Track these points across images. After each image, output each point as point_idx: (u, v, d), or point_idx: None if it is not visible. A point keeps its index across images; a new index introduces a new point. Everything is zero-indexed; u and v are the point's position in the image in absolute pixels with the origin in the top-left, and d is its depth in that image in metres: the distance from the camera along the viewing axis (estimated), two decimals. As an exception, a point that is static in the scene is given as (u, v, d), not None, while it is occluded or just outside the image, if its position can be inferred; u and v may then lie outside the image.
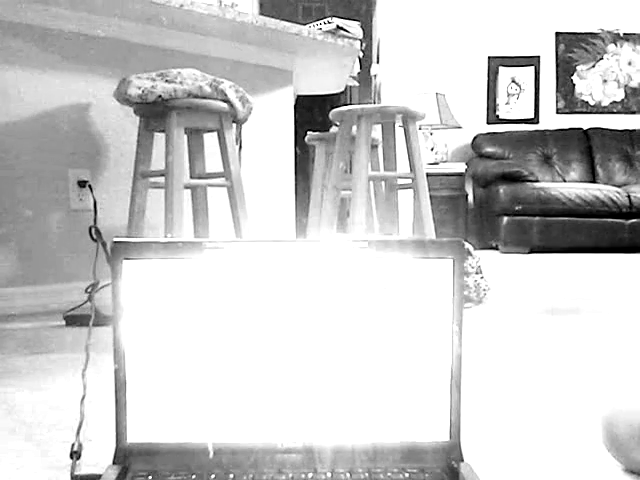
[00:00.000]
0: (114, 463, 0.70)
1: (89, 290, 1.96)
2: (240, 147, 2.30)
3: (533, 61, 5.72)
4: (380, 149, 2.58)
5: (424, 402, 0.71)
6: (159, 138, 2.33)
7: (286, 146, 2.96)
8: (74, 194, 2.26)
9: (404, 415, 0.71)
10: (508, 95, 5.73)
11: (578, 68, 5.74)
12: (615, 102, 5.77)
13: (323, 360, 0.70)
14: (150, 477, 0.67)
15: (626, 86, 5.77)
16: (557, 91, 5.77)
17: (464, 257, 0.70)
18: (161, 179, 2.37)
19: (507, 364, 1.38)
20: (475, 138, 5.56)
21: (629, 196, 4.80)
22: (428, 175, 5.15)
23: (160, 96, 1.92)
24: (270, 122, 2.88)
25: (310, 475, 0.68)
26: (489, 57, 5.70)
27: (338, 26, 2.69)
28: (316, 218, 2.62)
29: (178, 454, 0.70)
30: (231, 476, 0.67)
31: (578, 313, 2.05)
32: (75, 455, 0.78)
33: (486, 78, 5.72)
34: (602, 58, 5.73)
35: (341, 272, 0.70)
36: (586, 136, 5.54)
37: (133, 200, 2.06)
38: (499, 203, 4.82)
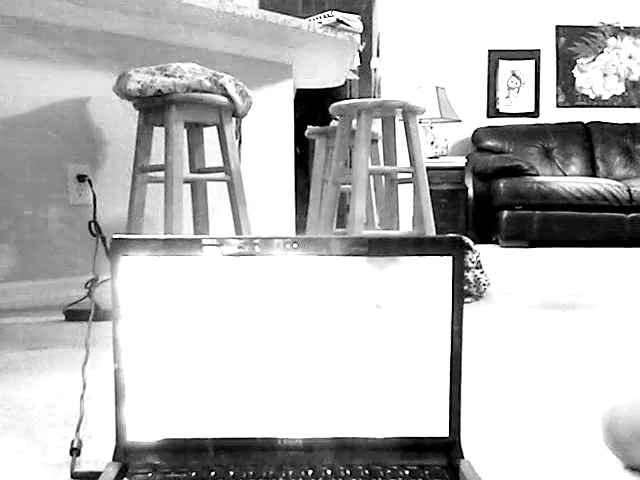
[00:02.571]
0: (114, 460, 0.70)
1: (89, 285, 1.96)
2: (240, 141, 2.30)
3: (533, 54, 5.71)
4: (380, 143, 2.58)
5: (424, 399, 0.71)
6: (159, 132, 2.32)
7: (286, 140, 2.95)
8: (73, 189, 2.26)
9: (404, 412, 0.71)
10: (508, 89, 5.72)
11: (578, 61, 5.73)
12: (615, 96, 5.76)
13: (323, 357, 0.70)
14: (150, 474, 0.67)
15: (626, 80, 5.75)
16: (557, 85, 5.75)
17: (463, 254, 0.70)
18: (161, 174, 2.36)
19: (507, 359, 1.38)
20: (475, 132, 5.55)
21: (629, 190, 4.80)
22: (428, 169, 5.14)
23: (159, 90, 1.91)
24: (270, 116, 2.88)
25: (310, 472, 0.68)
26: (489, 50, 5.68)
27: (338, 19, 2.68)
28: (316, 212, 2.62)
29: (178, 451, 0.70)
30: (231, 473, 0.67)
31: (578, 308, 2.05)
32: (75, 452, 0.78)
33: (486, 71, 5.71)
34: (602, 51, 5.72)
35: (340, 269, 0.69)
36: (586, 130, 5.54)
37: (132, 195, 2.06)
38: (499, 197, 4.82)
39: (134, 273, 0.69)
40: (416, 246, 0.69)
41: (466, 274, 2.22)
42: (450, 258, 0.70)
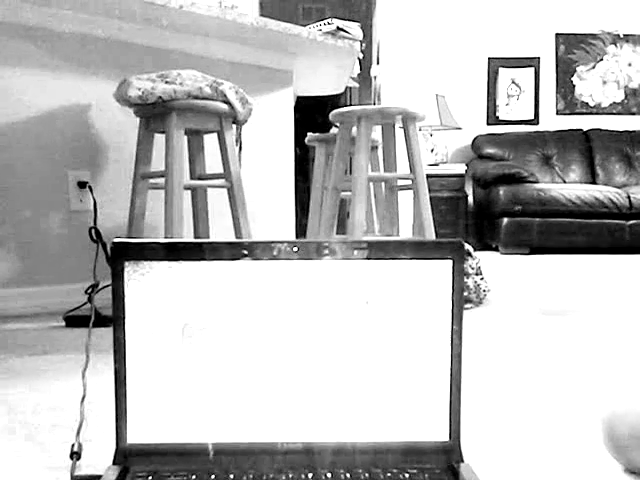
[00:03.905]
0: (114, 464, 0.70)
1: (89, 291, 1.96)
2: (240, 148, 2.30)
3: (533, 62, 5.72)
4: (380, 150, 2.58)
5: (424, 402, 0.71)
6: (159, 139, 2.33)
7: (286, 147, 2.96)
8: (74, 195, 2.27)
9: (404, 415, 0.71)
10: (508, 96, 5.74)
11: (578, 69, 5.74)
12: (615, 103, 5.77)
13: (323, 360, 0.70)
14: (150, 477, 0.67)
15: (626, 87, 5.77)
16: (557, 92, 5.77)
17: (464, 258, 0.71)
18: (161, 180, 2.37)
19: (507, 365, 1.38)
20: (475, 139, 5.56)
21: (629, 197, 4.80)
22: (428, 176, 5.15)
23: (160, 97, 1.92)
24: (270, 123, 2.88)
25: (310, 475, 0.68)
26: (489, 58, 5.70)
27: (338, 27, 2.69)
28: (316, 219, 2.62)
29: (178, 454, 0.70)
30: (231, 476, 0.67)
31: (578, 314, 2.05)
32: (75, 456, 0.78)
33: (486, 79, 5.72)
34: (602, 59, 5.74)
35: (341, 273, 0.70)
36: (586, 137, 5.55)
37: (133, 201, 2.06)
38: (499, 204, 4.82)
39: (135, 278, 0.69)
40: (416, 250, 0.70)
41: (466, 280, 2.22)
42: (450, 262, 0.70)
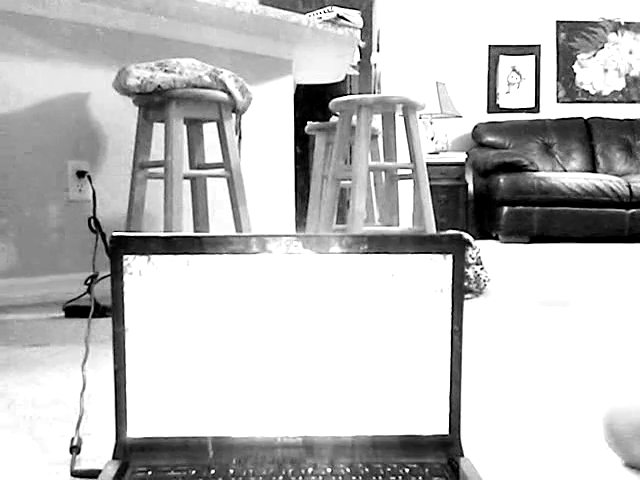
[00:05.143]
0: (114, 458, 0.70)
1: (88, 281, 1.96)
2: (240, 137, 2.29)
3: (534, 50, 5.70)
4: (380, 139, 2.57)
5: (424, 396, 0.71)
6: (158, 128, 2.32)
7: (286, 136, 2.95)
8: (73, 185, 2.26)
9: (404, 409, 0.71)
10: (509, 84, 5.71)
11: (579, 57, 5.72)
12: (616, 91, 5.75)
13: (323, 355, 0.70)
14: (150, 472, 0.67)
15: (627, 75, 5.74)
16: (558, 80, 5.74)
17: (464, 252, 0.70)
18: (160, 170, 2.35)
19: (507, 356, 1.38)
20: (475, 127, 5.54)
21: (629, 186, 4.79)
22: (428, 165, 5.14)
23: (159, 86, 1.91)
24: (270, 112, 2.87)
25: (310, 470, 0.68)
26: (489, 46, 5.67)
27: (338, 15, 2.67)
28: (316, 209, 2.62)
29: (178, 449, 0.70)
30: (231, 471, 0.67)
31: (578, 304, 2.05)
32: (75, 450, 0.78)
33: (486, 67, 5.70)
34: (603, 47, 5.71)
35: (340, 267, 0.69)
36: (587, 125, 5.53)
37: (132, 191, 2.05)
38: (499, 193, 4.81)
39: (134, 271, 0.69)
40: (417, 244, 0.69)
41: (466, 270, 2.21)
42: (450, 256, 0.69)
